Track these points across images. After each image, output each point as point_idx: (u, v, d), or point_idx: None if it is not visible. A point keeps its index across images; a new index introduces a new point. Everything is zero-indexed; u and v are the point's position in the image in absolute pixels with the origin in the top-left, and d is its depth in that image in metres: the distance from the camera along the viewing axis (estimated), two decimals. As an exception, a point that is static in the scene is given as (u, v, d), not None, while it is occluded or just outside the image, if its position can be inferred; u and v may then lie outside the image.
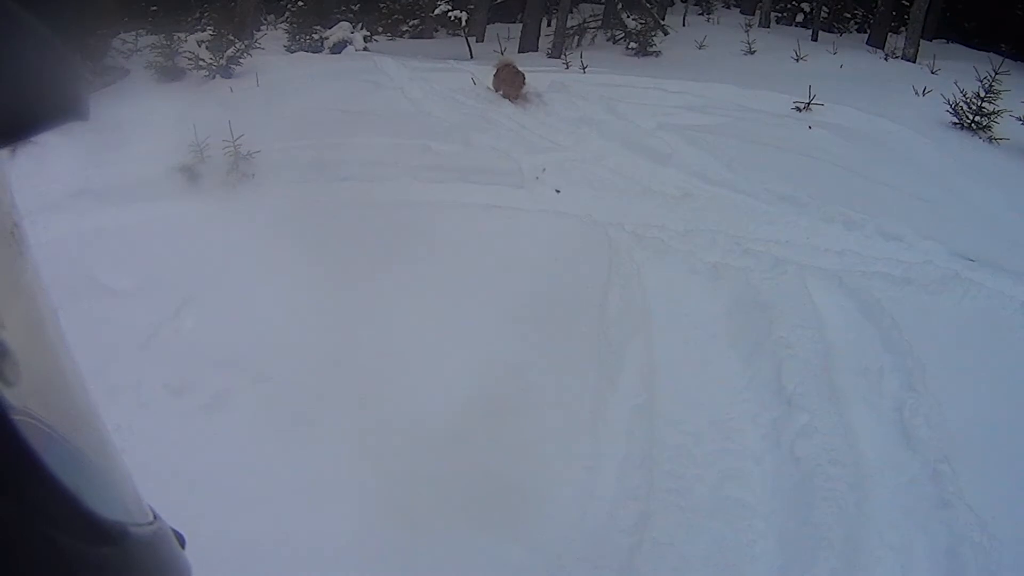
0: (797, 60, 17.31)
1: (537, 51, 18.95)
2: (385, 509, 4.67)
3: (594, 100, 12.50)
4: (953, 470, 5.46)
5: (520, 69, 13.35)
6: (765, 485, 5.39)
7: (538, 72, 14.15)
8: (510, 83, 13.29)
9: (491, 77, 13.63)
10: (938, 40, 22.71)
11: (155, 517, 0.87)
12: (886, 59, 19.08)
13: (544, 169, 9.61)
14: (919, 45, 19.49)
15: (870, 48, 20.63)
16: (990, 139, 13.25)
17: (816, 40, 21.17)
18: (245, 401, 5.48)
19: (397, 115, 11.35)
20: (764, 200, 9.37)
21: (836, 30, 24.01)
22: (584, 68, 15.51)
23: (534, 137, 11.01)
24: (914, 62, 18.67)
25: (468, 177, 9.06)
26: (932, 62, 17.47)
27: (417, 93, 12.71)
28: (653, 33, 19.32)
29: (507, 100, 13.16)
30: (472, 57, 17.15)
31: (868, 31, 23.44)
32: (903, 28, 21.15)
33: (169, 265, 6.31)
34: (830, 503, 5.16)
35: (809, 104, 13.16)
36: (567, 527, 4.85)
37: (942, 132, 13.24)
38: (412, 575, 4.47)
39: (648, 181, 9.69)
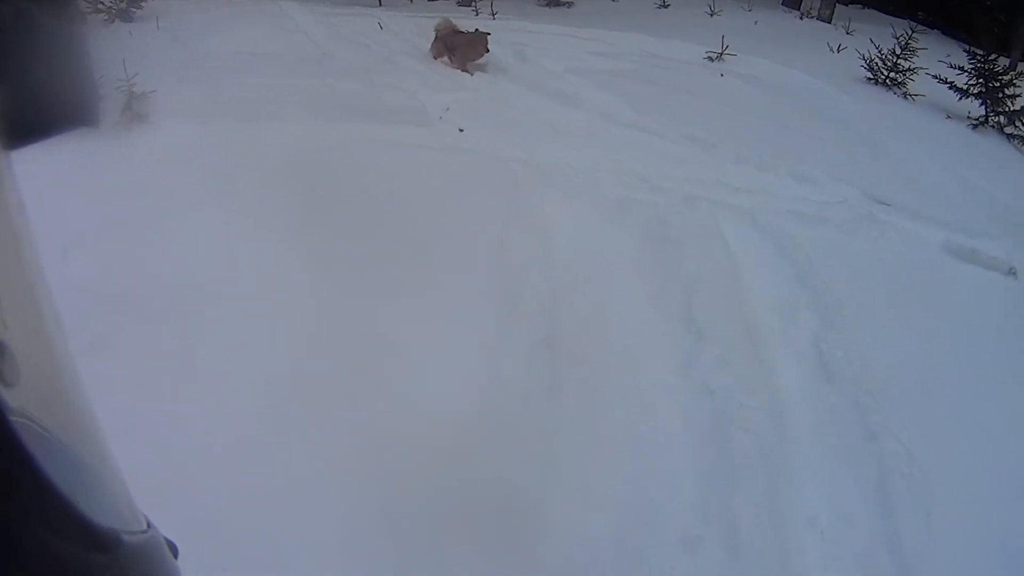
0: (711, 15, 17.12)
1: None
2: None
3: (503, 45, 12.09)
4: (876, 402, 5.33)
5: (479, 31, 11.43)
6: (678, 418, 5.11)
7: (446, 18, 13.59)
8: (468, 50, 11.28)
9: (431, 43, 11.78)
10: (854, 6, 22.64)
11: (149, 526, 0.87)
12: (801, 18, 19.05)
13: (448, 109, 9.20)
14: (835, 7, 19.51)
15: (786, 9, 20.49)
16: (905, 95, 13.32)
17: (732, -1, 21.02)
18: (128, 342, 4.97)
19: (301, 58, 10.86)
20: (673, 141, 9.17)
21: (753, -9, 23.82)
22: (494, 15, 15.11)
23: (439, 78, 10.61)
24: (829, 23, 18.71)
25: (371, 116, 8.61)
26: (847, 24, 17.51)
27: (321, 36, 12.18)
28: (566, -16, 18.99)
29: (448, 64, 11.46)
30: (381, 5, 16.61)
31: (785, -7, 23.28)
32: (820, -9, 21.05)
33: (58, 208, 5.79)
34: (749, 435, 4.97)
35: (721, 54, 13.00)
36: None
37: (857, 87, 13.32)
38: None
39: (555, 122, 9.37)
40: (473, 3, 16.60)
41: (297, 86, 9.33)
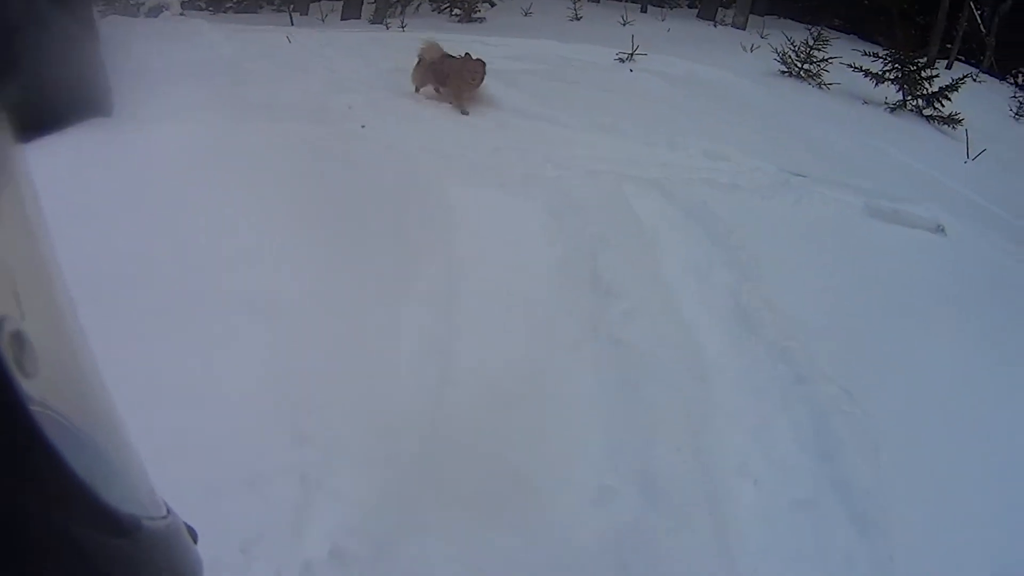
0: (624, 24, 17.10)
1: (360, 19, 18.46)
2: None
3: (411, 51, 11.88)
4: (804, 348, 5.16)
5: (469, 55, 9.75)
6: (587, 372, 4.85)
7: (355, 32, 13.76)
8: (464, 78, 9.57)
9: (415, 69, 10.13)
10: (769, 16, 22.79)
11: (168, 511, 0.88)
12: (715, 26, 19.11)
13: (350, 107, 8.92)
14: (749, 16, 19.61)
15: (700, 20, 20.55)
16: (820, 85, 13.42)
17: (645, 12, 21.10)
18: None
19: (210, 68, 10.53)
20: (582, 130, 9.10)
21: (666, 5, 23.87)
22: (403, 27, 15.05)
23: (345, 81, 10.35)
24: (743, 29, 18.70)
25: (276, 115, 8.30)
26: (762, 28, 17.57)
27: (229, 50, 11.86)
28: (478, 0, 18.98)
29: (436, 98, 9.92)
30: (292, 24, 16.46)
31: (699, 6, 23.34)
32: (734, 4, 21.15)
33: None
34: (664, 384, 4.72)
35: (632, 55, 12.94)
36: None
37: (771, 79, 13.54)
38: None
39: (462, 117, 9.11)
40: (385, 22, 16.49)
41: (203, 90, 8.99)
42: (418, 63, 9.97)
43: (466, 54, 9.67)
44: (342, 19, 18.60)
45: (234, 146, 6.72)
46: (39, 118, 0.67)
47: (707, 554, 3.83)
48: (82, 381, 0.76)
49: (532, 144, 8.32)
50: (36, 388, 0.60)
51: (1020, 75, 21.37)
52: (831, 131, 10.40)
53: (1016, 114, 15.87)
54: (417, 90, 9.95)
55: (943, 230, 7.28)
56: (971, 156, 11.76)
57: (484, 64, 9.45)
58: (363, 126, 8.39)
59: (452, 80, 9.55)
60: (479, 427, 4.32)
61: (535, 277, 5.69)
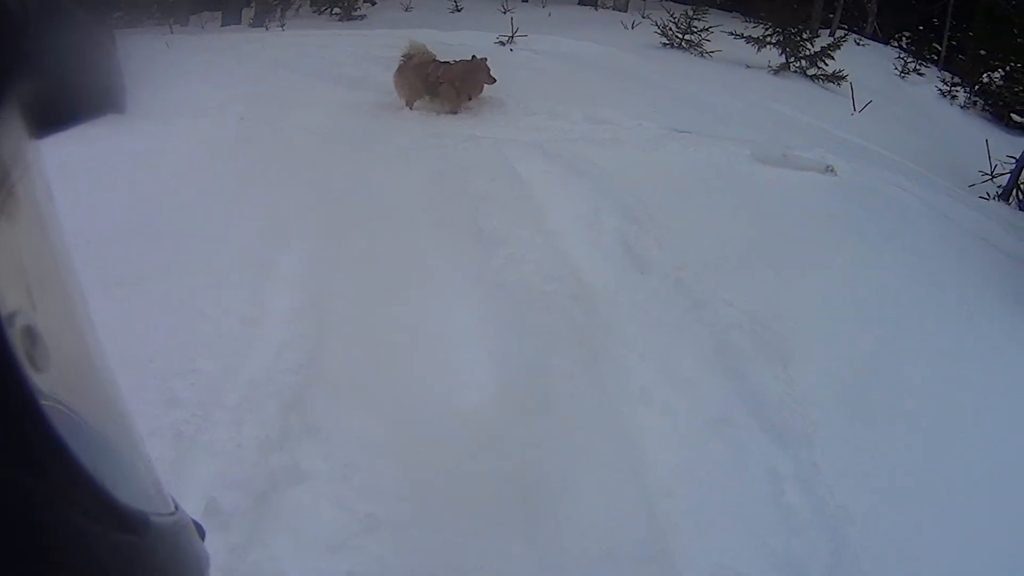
0: (504, 12, 17.02)
1: (240, 24, 18.27)
2: None
3: (288, 48, 11.75)
4: (698, 278, 5.20)
5: (476, 57, 9.03)
6: (471, 315, 4.79)
7: (235, 33, 13.80)
8: (476, 83, 8.86)
9: (398, 76, 9.07)
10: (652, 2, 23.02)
11: (176, 508, 0.87)
12: (596, 10, 19.15)
13: (227, 103, 8.74)
14: (629, 0, 19.70)
15: (582, 6, 20.65)
16: (702, 54, 13.57)
17: (527, 1, 21.12)
18: None
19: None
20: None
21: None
22: (283, 27, 14.91)
23: (224, 80, 10.09)
24: (625, 11, 18.77)
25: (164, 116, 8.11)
26: (643, 10, 17.66)
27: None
28: (357, -2, 18.95)
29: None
30: (172, 32, 16.25)
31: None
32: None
33: None
34: (552, 320, 4.70)
35: (512, 37, 12.92)
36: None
37: (652, 51, 13.77)
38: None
39: (340, 101, 9.05)
40: (266, 25, 16.32)
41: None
42: (400, 68, 8.93)
43: (472, 56, 8.93)
44: (222, 25, 18.36)
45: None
46: (52, 114, 0.66)
47: (615, 481, 3.77)
48: (92, 376, 0.76)
49: (410, 122, 8.27)
50: (47, 382, 0.59)
51: (903, 38, 21.78)
52: (715, 92, 10.48)
53: (901, 73, 16.14)
54: (409, 106, 8.83)
55: (833, 170, 7.30)
56: (858, 109, 12.00)
57: (486, 64, 8.76)
58: (242, 118, 8.27)
59: (460, 85, 8.68)
60: (359, 378, 4.21)
61: (415, 234, 5.60)
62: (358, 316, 4.70)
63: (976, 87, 14.52)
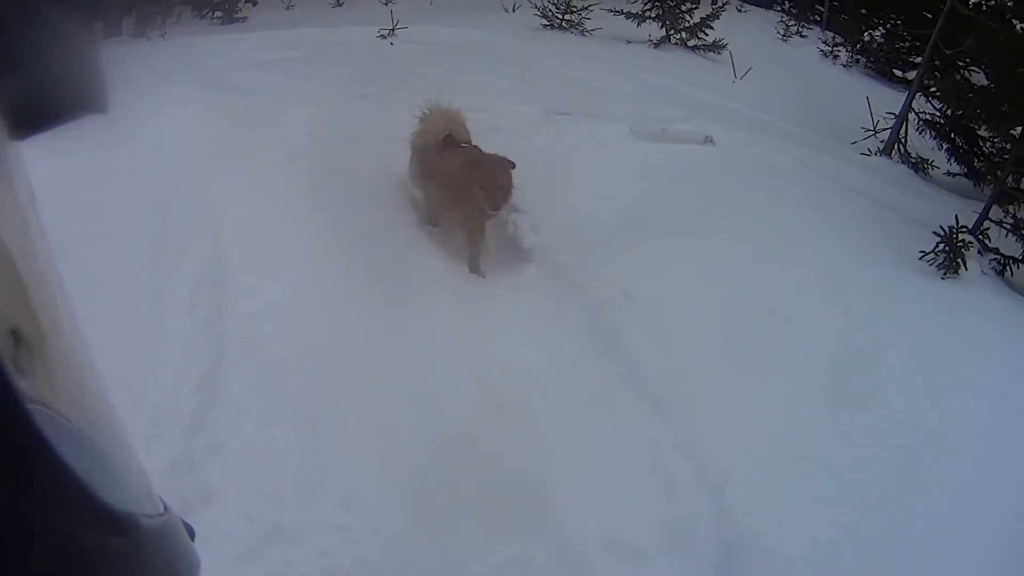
0: (386, 4, 16.94)
1: (121, 35, 17.92)
2: None
3: (170, 60, 11.55)
4: (575, 260, 5.37)
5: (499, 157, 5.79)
6: (357, 313, 4.88)
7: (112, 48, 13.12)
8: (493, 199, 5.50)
9: (415, 165, 6.38)
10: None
11: (165, 508, 0.89)
12: (479, -3, 19.18)
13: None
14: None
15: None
16: (583, 32, 13.73)
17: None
18: None
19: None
20: (343, 104, 8.89)
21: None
22: (163, 36, 14.68)
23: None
24: (510, -6, 18.81)
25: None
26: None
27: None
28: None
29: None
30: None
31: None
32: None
33: None
34: (430, 314, 4.89)
35: (393, 29, 12.78)
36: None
37: (533, 34, 13.81)
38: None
39: (226, 110, 8.85)
40: (146, 33, 16.09)
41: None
42: (414, 155, 6.39)
43: (494, 155, 5.80)
44: (104, 37, 17.95)
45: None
46: (34, 115, 0.68)
47: (502, 462, 3.94)
48: (79, 379, 0.77)
49: (293, 124, 8.17)
50: (33, 386, 0.60)
51: (786, 2, 22.07)
52: (595, 70, 10.62)
53: (783, 36, 16.38)
54: (432, 222, 6.17)
55: (712, 140, 7.53)
56: (738, 76, 12.26)
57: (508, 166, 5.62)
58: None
59: (471, 199, 5.55)
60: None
61: (298, 244, 5.58)
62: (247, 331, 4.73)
63: (858, 46, 14.76)
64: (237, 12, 18.17)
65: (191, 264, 5.47)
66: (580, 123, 7.73)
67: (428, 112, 6.38)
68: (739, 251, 5.58)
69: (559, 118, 7.95)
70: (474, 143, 6.27)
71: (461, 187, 5.53)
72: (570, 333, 4.74)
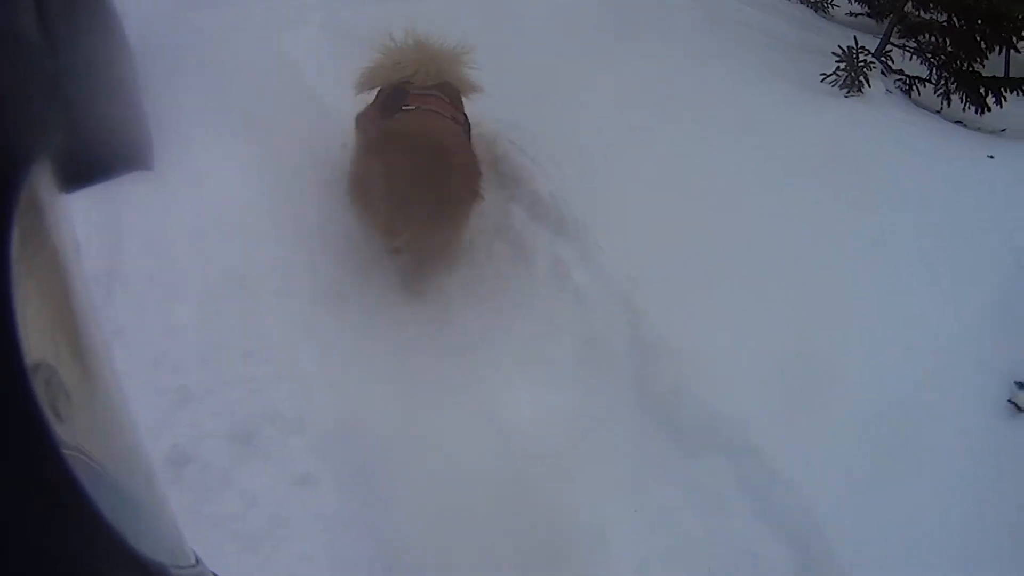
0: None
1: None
2: None
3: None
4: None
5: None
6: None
7: None
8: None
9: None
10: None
11: (197, 560, 0.88)
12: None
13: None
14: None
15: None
16: None
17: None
18: None
19: None
20: None
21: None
22: None
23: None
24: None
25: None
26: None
27: None
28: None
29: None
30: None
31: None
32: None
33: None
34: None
35: None
36: None
37: None
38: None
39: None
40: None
41: None
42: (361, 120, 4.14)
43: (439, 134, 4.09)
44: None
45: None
46: (82, 170, 0.75)
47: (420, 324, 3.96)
48: (116, 428, 0.75)
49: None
50: (70, 433, 0.58)
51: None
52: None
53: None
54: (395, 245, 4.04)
55: None
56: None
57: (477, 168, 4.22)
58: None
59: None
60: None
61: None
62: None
63: None
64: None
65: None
66: None
67: (400, 42, 4.30)
68: (642, 101, 5.36)
69: None
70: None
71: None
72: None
